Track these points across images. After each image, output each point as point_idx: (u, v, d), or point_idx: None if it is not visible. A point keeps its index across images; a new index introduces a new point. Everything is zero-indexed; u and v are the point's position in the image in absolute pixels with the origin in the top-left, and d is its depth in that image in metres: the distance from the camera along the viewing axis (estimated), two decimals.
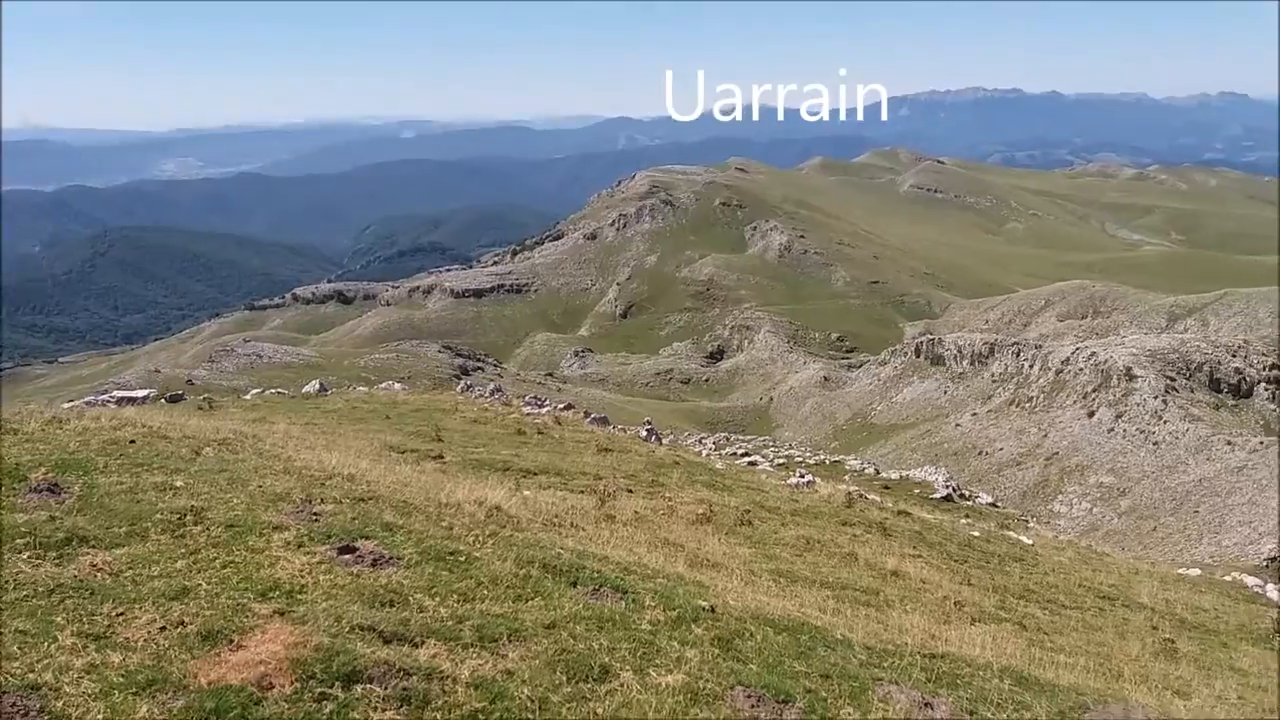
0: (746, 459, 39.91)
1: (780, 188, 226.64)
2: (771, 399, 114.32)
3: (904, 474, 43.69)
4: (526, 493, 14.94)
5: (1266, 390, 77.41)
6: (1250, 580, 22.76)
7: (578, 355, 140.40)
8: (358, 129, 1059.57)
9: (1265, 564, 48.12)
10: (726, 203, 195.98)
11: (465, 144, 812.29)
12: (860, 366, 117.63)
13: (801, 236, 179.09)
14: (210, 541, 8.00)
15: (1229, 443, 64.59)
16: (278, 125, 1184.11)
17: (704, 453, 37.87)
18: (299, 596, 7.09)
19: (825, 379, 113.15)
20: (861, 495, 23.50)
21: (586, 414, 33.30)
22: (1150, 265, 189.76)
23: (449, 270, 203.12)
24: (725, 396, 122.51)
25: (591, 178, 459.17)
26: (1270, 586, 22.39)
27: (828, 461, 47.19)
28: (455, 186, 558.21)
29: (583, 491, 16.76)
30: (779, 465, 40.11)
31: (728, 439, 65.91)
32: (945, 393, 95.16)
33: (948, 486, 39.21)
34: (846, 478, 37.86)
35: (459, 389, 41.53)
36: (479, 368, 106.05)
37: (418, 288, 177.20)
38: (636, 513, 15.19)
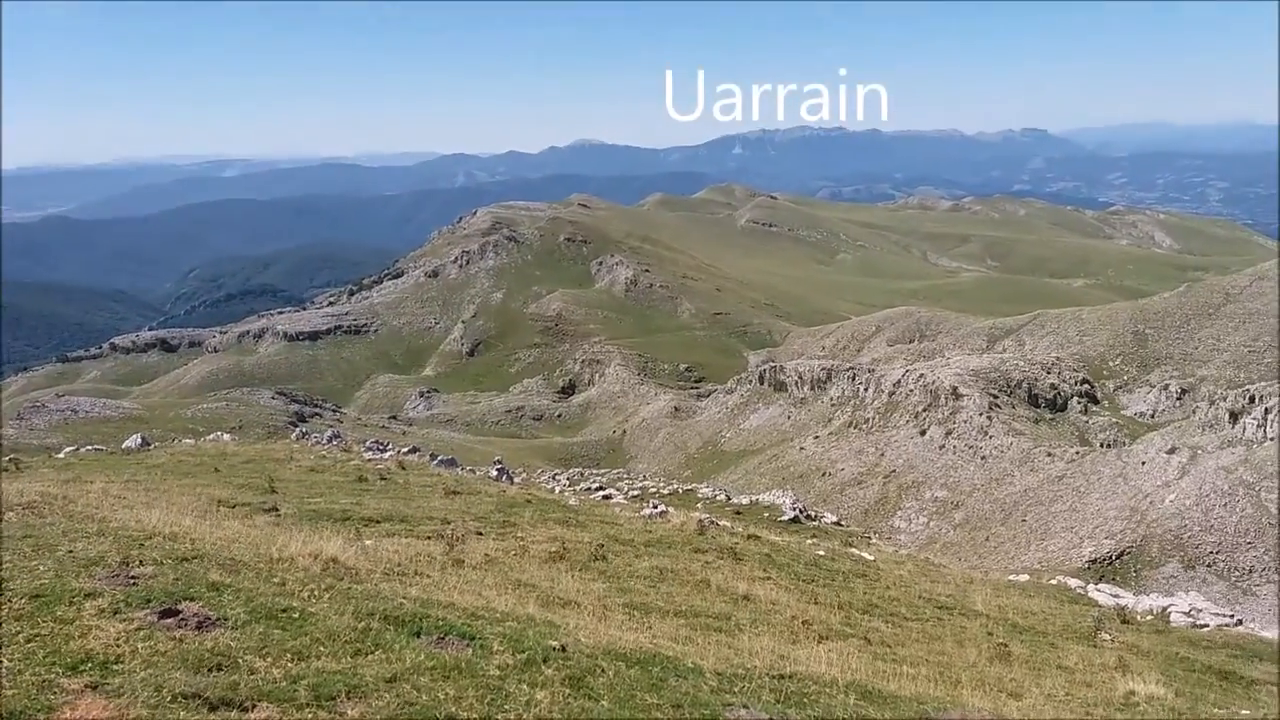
0: (601, 493, 39.83)
1: (623, 223, 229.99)
2: (624, 431, 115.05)
3: (754, 498, 44.60)
4: (368, 542, 14.45)
5: (1079, 403, 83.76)
6: (1073, 582, 24.29)
7: (423, 396, 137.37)
8: (172, 168, 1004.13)
9: (1086, 566, 51.73)
10: (571, 238, 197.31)
11: (292, 182, 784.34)
12: (709, 396, 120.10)
13: (646, 270, 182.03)
14: (12, 614, 7.38)
15: (1049, 454, 69.32)
16: (83, 166, 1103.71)
17: (557, 489, 37.61)
18: (114, 667, 6.62)
19: (676, 409, 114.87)
20: (713, 522, 23.80)
21: (433, 456, 32.51)
22: (969, 290, 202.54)
23: (281, 312, 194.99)
24: (578, 431, 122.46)
25: (431, 215, 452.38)
26: (1091, 587, 23.92)
27: (681, 490, 47.68)
28: (285, 226, 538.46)
29: (429, 537, 16.31)
30: (633, 497, 40.23)
31: (582, 474, 65.73)
32: (789, 418, 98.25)
33: (795, 508, 40.25)
34: (699, 505, 38.35)
35: (294, 437, 39.81)
36: (316, 414, 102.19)
37: (248, 332, 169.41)
38: (487, 555, 14.90)
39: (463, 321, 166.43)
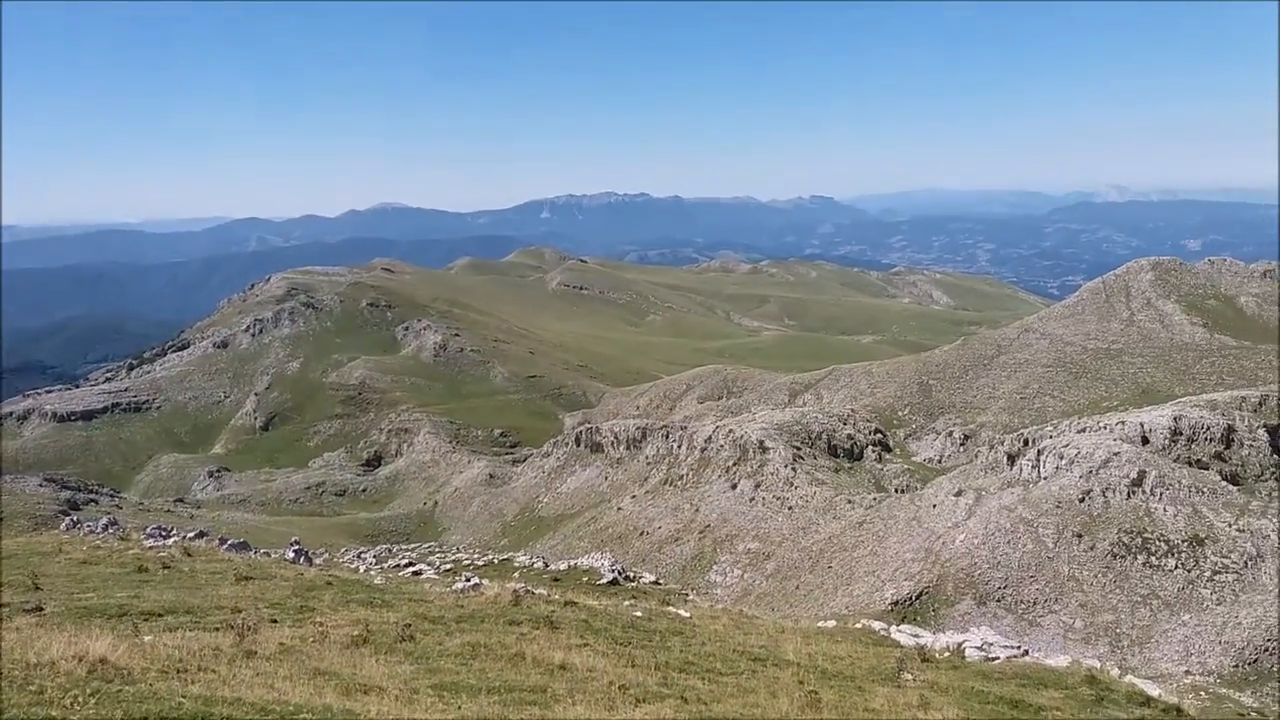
0: (411, 569, 38.37)
1: (430, 287, 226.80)
2: (436, 502, 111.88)
3: (572, 563, 44.24)
4: (146, 638, 13.26)
5: (874, 452, 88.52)
6: (877, 625, 25.21)
7: (213, 476, 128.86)
8: None
9: (890, 608, 54.14)
10: (374, 303, 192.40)
11: (65, 250, 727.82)
12: (525, 460, 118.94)
13: (456, 335, 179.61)
14: None
15: (849, 501, 72.63)
16: None
17: (362, 568, 35.90)
18: None
19: (491, 476, 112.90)
20: (529, 591, 23.25)
21: (223, 540, 30.32)
22: (770, 348, 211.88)
23: (51, 391, 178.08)
24: (386, 505, 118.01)
25: (221, 283, 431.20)
26: (894, 628, 24.90)
27: (497, 561, 46.68)
28: (57, 297, 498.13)
29: (218, 628, 15.08)
30: (446, 571, 39.04)
31: (390, 550, 63.23)
32: (606, 479, 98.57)
33: (614, 570, 40.24)
34: (516, 575, 37.61)
35: (64, 527, 36.20)
36: (91, 500, 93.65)
37: (11, 413, 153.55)
38: (282, 644, 13.89)
39: (256, 394, 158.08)
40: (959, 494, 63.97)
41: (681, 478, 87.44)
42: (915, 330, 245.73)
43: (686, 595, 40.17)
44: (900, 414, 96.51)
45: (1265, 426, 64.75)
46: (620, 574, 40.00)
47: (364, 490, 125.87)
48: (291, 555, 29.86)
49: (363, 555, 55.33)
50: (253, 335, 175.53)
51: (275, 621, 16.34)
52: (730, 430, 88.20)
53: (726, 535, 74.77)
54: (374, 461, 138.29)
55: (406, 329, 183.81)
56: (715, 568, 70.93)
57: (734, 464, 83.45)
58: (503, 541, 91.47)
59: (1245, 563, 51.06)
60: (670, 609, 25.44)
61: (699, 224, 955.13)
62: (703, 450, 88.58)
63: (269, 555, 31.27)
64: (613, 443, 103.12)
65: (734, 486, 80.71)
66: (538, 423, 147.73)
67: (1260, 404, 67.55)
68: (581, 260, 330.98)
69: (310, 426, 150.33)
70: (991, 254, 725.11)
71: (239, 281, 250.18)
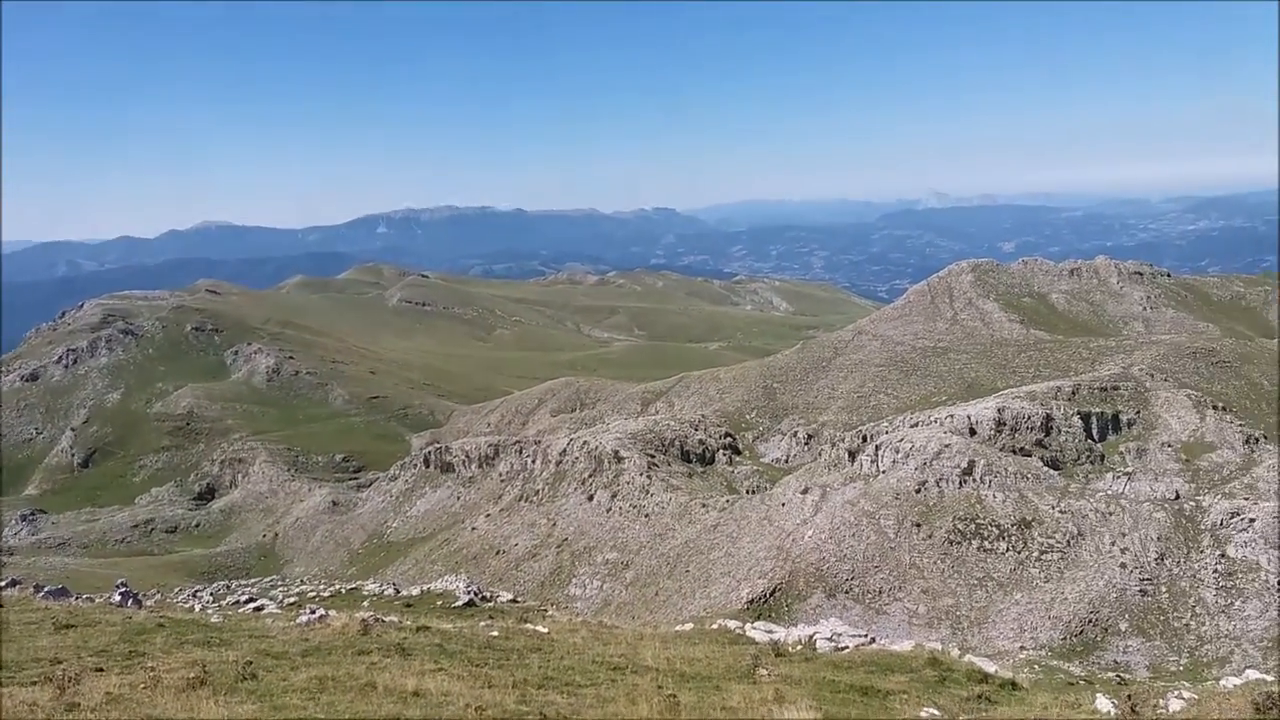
0: (251, 605, 36.42)
1: (260, 309, 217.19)
2: (277, 534, 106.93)
3: (425, 588, 43.08)
4: None
5: (724, 455, 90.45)
6: (733, 624, 25.60)
7: (26, 519, 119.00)
8: None
9: (746, 606, 55.34)
10: (200, 328, 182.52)
11: None
12: (371, 485, 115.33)
13: (291, 357, 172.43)
14: None
15: (703, 505, 73.88)
16: None
17: (198, 607, 33.83)
18: None
19: (334, 504, 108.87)
20: (379, 620, 22.42)
21: (39, 588, 27.87)
22: (620, 358, 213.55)
23: None
24: (222, 540, 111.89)
25: (25, 312, 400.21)
26: (749, 626, 25.34)
27: (344, 591, 44.93)
28: None
29: (34, 682, 13.84)
30: (290, 605, 37.32)
31: (228, 587, 60.02)
32: (458, 499, 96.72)
33: (469, 592, 39.42)
34: (365, 604, 36.34)
35: None
36: None
37: None
38: (109, 693, 12.88)
39: (72, 429, 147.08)
40: (805, 491, 66.13)
41: (537, 493, 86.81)
42: (758, 335, 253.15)
43: (546, 611, 39.78)
44: (748, 417, 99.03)
45: (1079, 414, 69.96)
46: (476, 595, 39.22)
47: (197, 525, 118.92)
48: (118, 598, 27.75)
49: (198, 594, 52.20)
50: (66, 366, 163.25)
51: (101, 670, 15.12)
52: (585, 442, 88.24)
53: (585, 547, 74.68)
54: (207, 494, 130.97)
55: (236, 353, 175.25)
56: (575, 581, 70.70)
57: (590, 475, 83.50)
58: (350, 570, 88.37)
59: (1068, 541, 54.92)
60: (528, 626, 25.10)
61: (544, 236, 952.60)
62: (558, 464, 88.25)
63: (93, 600, 29.00)
64: (464, 461, 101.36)
65: (590, 498, 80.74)
66: (383, 445, 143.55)
67: (1074, 393, 72.95)
68: (423, 275, 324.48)
69: (135, 461, 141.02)
70: (825, 260, 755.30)
71: (47, 309, 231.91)
